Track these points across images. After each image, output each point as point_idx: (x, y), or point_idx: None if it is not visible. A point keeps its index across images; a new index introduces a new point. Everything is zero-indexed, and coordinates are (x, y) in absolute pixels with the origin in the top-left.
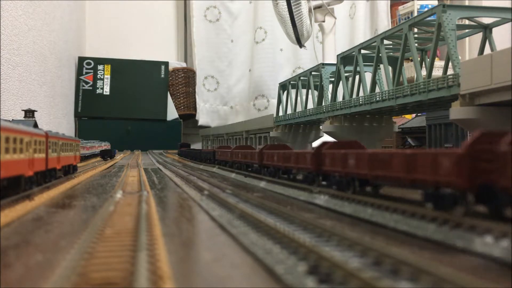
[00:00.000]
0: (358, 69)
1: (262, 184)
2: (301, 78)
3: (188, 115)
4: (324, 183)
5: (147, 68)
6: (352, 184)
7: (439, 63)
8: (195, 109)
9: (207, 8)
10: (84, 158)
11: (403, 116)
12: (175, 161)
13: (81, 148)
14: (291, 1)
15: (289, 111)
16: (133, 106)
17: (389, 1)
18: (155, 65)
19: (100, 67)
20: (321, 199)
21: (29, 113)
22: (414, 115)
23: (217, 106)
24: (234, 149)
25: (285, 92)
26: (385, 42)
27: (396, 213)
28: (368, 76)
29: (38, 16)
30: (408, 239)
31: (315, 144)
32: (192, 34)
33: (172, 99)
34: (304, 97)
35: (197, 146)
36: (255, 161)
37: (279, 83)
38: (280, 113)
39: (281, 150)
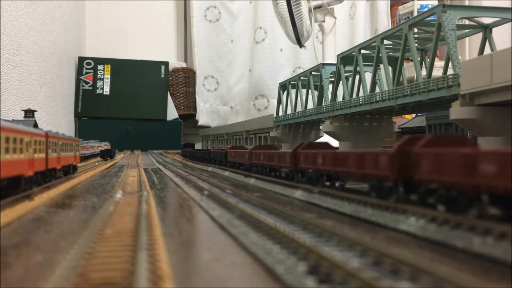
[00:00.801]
0: (358, 69)
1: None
2: (301, 78)
3: (188, 115)
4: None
5: (147, 68)
6: (476, 203)
7: (439, 63)
8: (195, 109)
9: (207, 8)
10: (84, 158)
11: (403, 116)
12: (175, 161)
13: (81, 148)
14: (291, 1)
15: (289, 111)
16: (133, 106)
17: (389, 1)
18: (155, 65)
19: (100, 67)
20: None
21: (29, 113)
22: (414, 115)
23: (217, 106)
24: (254, 149)
25: (285, 92)
26: (385, 42)
27: None
28: (368, 76)
29: (38, 16)
30: None
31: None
32: (192, 34)
33: (172, 99)
34: (304, 97)
35: (197, 146)
36: (285, 164)
37: (279, 83)
38: (280, 113)
39: (326, 150)
